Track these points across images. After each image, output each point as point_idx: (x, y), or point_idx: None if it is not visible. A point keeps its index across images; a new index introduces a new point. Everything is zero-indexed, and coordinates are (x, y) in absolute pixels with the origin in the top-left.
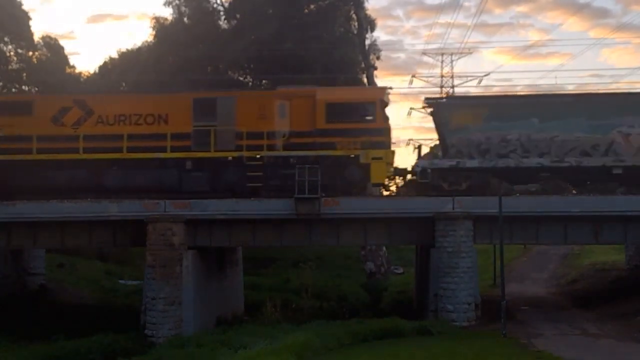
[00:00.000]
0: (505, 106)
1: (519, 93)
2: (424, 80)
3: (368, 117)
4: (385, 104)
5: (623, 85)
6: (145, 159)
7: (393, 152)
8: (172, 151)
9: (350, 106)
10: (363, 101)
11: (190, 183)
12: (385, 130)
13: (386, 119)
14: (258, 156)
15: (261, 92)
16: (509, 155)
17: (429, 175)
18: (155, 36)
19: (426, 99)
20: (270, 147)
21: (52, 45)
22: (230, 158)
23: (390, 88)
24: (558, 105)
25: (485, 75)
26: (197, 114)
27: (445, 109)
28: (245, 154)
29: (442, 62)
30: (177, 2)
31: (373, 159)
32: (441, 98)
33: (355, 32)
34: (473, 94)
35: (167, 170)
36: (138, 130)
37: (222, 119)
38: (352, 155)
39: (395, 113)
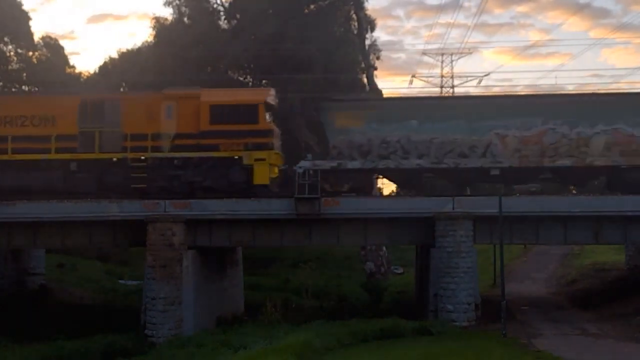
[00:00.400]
0: (387, 108)
1: (400, 95)
2: (424, 81)
3: (251, 119)
4: (271, 106)
5: (623, 85)
6: (31, 161)
7: (277, 154)
8: (57, 153)
9: (233, 108)
10: (246, 103)
11: (75, 184)
12: (268, 132)
13: (272, 120)
14: (142, 157)
15: (148, 94)
16: (389, 157)
17: (311, 177)
18: (155, 36)
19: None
20: (156, 149)
21: (52, 45)
22: (115, 159)
23: (277, 90)
24: (437, 108)
25: (485, 75)
26: (83, 116)
27: (328, 110)
28: (129, 155)
29: (442, 62)
30: (177, 2)
31: (256, 160)
32: (325, 99)
33: (355, 32)
34: (355, 97)
35: (52, 171)
36: (24, 132)
37: (108, 121)
38: (236, 157)
39: None
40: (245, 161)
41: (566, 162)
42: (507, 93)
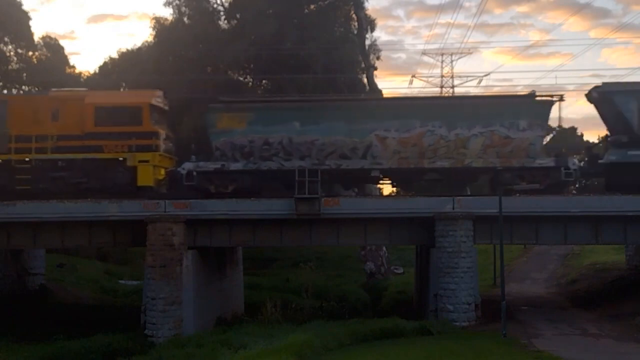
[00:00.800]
0: (269, 110)
1: (284, 97)
2: (424, 81)
3: (136, 121)
4: (159, 109)
5: None
6: None
7: (163, 155)
8: None
9: (118, 110)
10: (131, 105)
11: None
12: (153, 133)
13: (157, 122)
14: (27, 159)
15: (34, 96)
16: (271, 159)
17: (195, 178)
18: (155, 36)
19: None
20: (41, 150)
21: (52, 45)
22: (0, 161)
23: (164, 92)
24: (319, 110)
25: (485, 75)
26: None
27: (211, 112)
28: (13, 157)
29: (442, 62)
30: (177, 2)
31: (140, 161)
32: (208, 101)
33: (355, 32)
34: (238, 99)
35: None
36: None
37: None
38: (120, 159)
39: None
40: (129, 163)
41: (445, 163)
42: (386, 95)
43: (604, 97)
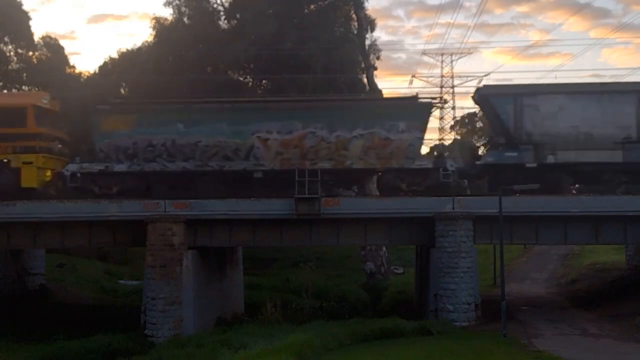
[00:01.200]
0: (153, 112)
1: (168, 99)
2: (424, 81)
3: (20, 123)
4: (45, 110)
5: None
6: None
7: (47, 157)
8: None
9: (2, 111)
10: (15, 106)
11: None
12: (37, 135)
13: (44, 124)
14: None
15: None
16: (155, 160)
17: (79, 180)
18: (155, 36)
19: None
20: None
21: (52, 45)
22: None
23: (52, 96)
24: (202, 112)
25: (485, 75)
26: None
27: (96, 114)
28: None
29: (442, 62)
30: (177, 2)
31: (23, 163)
32: (93, 103)
33: (355, 32)
34: (123, 101)
35: None
36: None
37: None
38: (5, 160)
39: None
40: (13, 164)
41: (326, 164)
42: (269, 97)
43: (483, 99)
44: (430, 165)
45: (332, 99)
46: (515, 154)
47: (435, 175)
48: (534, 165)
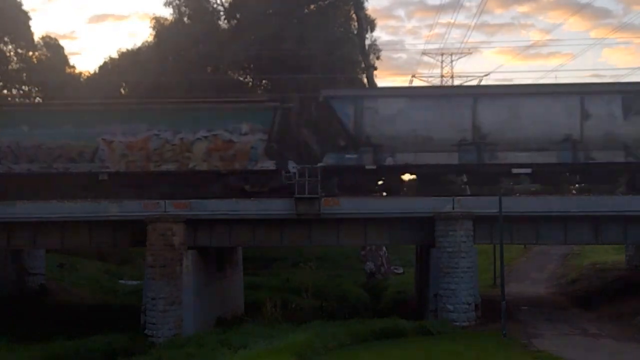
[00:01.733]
0: None
1: (12, 102)
2: (424, 80)
3: None
4: None
5: None
6: None
7: None
8: None
9: None
10: None
11: None
12: None
13: None
14: None
15: None
16: (0, 162)
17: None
18: (156, 36)
19: None
20: None
21: (52, 45)
22: None
23: None
24: (46, 114)
25: (485, 75)
26: None
27: None
28: None
29: (442, 62)
30: (177, 2)
31: None
32: None
33: (355, 32)
34: None
35: None
36: None
37: None
38: None
39: None
40: None
41: (170, 167)
42: (114, 100)
43: (325, 102)
44: (272, 167)
45: (175, 101)
46: (355, 156)
47: (277, 177)
48: (374, 167)
